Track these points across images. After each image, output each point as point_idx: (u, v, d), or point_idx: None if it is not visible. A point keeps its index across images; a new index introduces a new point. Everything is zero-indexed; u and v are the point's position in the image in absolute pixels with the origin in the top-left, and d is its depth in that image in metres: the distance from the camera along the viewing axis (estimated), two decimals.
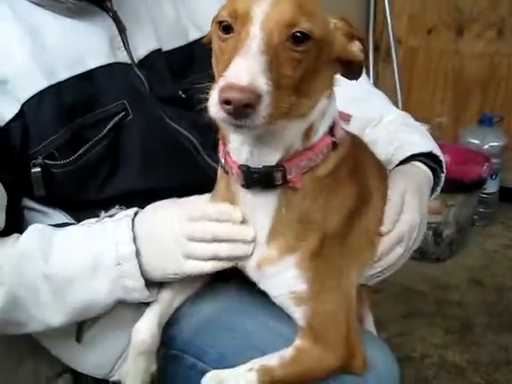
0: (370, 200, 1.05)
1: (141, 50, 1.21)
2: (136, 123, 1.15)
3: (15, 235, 1.08)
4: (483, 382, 2.07)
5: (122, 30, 1.18)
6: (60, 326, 1.07)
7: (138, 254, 1.01)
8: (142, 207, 1.09)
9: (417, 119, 3.26)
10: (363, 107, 1.31)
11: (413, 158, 1.21)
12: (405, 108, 3.22)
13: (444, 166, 1.25)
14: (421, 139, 1.25)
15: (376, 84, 3.37)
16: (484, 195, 3.08)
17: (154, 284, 1.05)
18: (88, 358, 1.20)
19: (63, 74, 1.09)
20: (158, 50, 1.23)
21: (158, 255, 1.01)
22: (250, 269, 1.01)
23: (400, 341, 2.24)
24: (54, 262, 1.04)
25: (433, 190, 1.25)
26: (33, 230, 1.07)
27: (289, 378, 0.97)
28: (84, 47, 1.13)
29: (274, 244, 0.97)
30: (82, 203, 1.17)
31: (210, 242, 0.98)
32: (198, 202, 1.05)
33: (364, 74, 1.39)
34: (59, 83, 1.09)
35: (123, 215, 1.06)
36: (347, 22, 0.93)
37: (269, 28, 0.81)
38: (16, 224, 1.11)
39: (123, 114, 1.14)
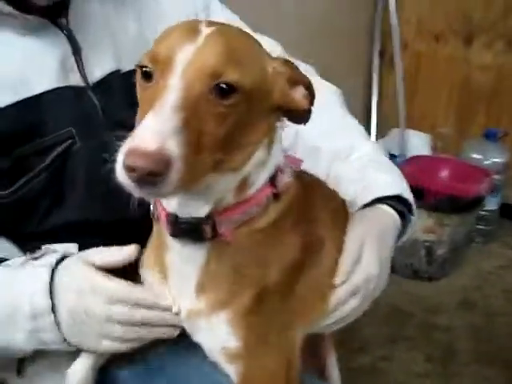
0: (321, 250, 0.98)
1: (97, 71, 1.13)
2: (82, 151, 1.08)
3: None
4: None
5: (76, 51, 1.10)
6: None
7: (54, 308, 0.93)
8: (86, 238, 1.03)
9: (419, 129, 3.21)
10: (334, 141, 1.23)
11: (379, 199, 1.12)
12: (408, 116, 3.19)
13: (414, 208, 1.17)
14: (390, 180, 1.16)
15: (379, 91, 3.30)
16: (484, 212, 2.99)
17: None
18: None
19: (5, 100, 1.02)
20: (117, 72, 1.16)
21: (74, 326, 0.94)
22: (182, 320, 0.95)
23: (383, 366, 2.18)
24: None
25: (402, 233, 1.17)
26: None
27: None
28: (31, 69, 1.06)
29: (203, 297, 0.91)
30: (24, 234, 1.11)
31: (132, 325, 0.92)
32: (123, 285, 0.95)
33: (340, 103, 1.32)
34: (0, 110, 1.02)
35: (43, 264, 0.98)
36: (290, 65, 0.84)
37: (190, 78, 0.72)
38: None
39: (70, 142, 1.07)
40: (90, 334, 0.94)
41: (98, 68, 1.13)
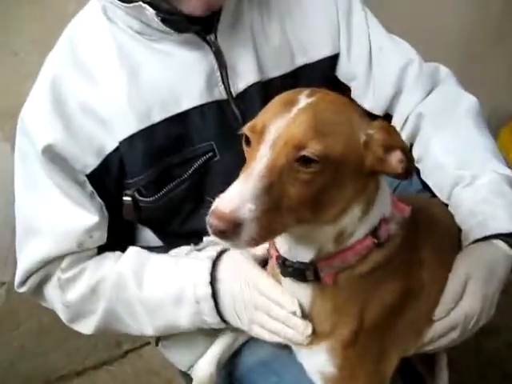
0: (421, 292, 1.04)
1: (240, 84, 1.23)
2: (222, 164, 1.20)
3: (117, 253, 1.21)
4: None
5: (222, 66, 1.20)
6: (153, 335, 1.22)
7: (215, 295, 1.08)
8: None
9: None
10: (459, 163, 1.23)
11: (494, 235, 1.12)
12: None
13: None
14: (507, 216, 1.14)
15: None
16: None
17: None
18: (169, 356, 1.39)
19: (156, 117, 1.16)
20: (258, 83, 1.25)
21: (231, 308, 1.08)
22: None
23: (507, 353, 2.12)
24: (146, 287, 1.15)
25: None
26: (131, 253, 1.19)
27: None
28: (179, 87, 1.18)
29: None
30: (166, 232, 1.28)
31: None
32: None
33: (476, 117, 1.31)
34: (151, 126, 1.16)
35: (206, 256, 1.12)
36: (386, 131, 0.88)
37: (276, 149, 0.82)
38: (118, 239, 1.24)
39: (210, 154, 1.20)
40: (242, 318, 1.07)
41: (242, 80, 1.23)
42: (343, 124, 0.87)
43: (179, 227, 1.21)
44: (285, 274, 1.00)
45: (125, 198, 1.21)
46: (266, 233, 0.81)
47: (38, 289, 1.23)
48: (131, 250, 1.20)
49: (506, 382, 2.03)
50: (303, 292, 1.00)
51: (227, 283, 1.09)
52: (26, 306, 1.86)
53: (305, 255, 0.95)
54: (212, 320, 1.11)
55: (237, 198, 0.79)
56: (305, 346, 1.02)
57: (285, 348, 1.11)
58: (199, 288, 1.09)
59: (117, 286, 1.16)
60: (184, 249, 1.22)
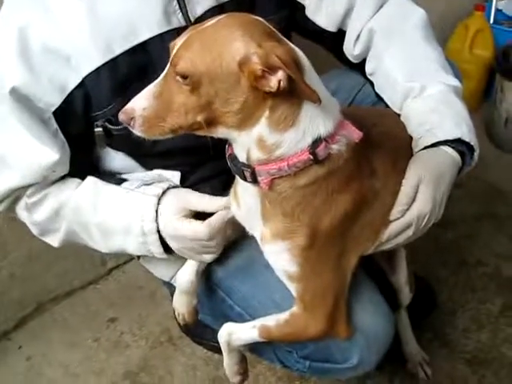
0: (376, 198, 1.15)
1: (198, 9, 1.28)
2: None
3: (77, 180, 1.33)
4: None
5: None
6: (106, 252, 1.40)
7: (159, 230, 1.25)
8: (181, 158, 1.34)
9: None
10: (410, 75, 1.31)
11: (442, 141, 1.22)
12: None
13: (476, 149, 1.26)
14: (453, 124, 1.24)
15: None
16: None
17: None
18: (152, 269, 1.54)
19: (117, 49, 1.22)
20: (215, 7, 1.30)
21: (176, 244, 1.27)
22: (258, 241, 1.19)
23: (463, 243, 2.31)
24: (100, 213, 1.30)
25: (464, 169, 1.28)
26: (89, 182, 1.31)
27: (282, 336, 1.21)
28: (137, 18, 1.23)
29: (268, 225, 1.13)
30: (139, 154, 1.38)
31: None
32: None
33: (425, 29, 1.39)
34: (114, 58, 1.22)
35: (152, 193, 1.26)
36: (270, 52, 0.93)
37: (168, 66, 1.02)
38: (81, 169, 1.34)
39: None
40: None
41: (199, 5, 1.28)
42: (218, 45, 0.96)
43: (151, 148, 1.28)
44: (233, 170, 1.11)
45: (96, 130, 1.29)
46: (152, 126, 1.03)
47: (11, 209, 1.38)
48: (89, 179, 1.32)
49: (463, 267, 2.21)
50: (251, 191, 1.11)
51: (167, 224, 1.24)
52: (15, 235, 1.94)
53: (240, 156, 1.07)
54: (157, 250, 1.28)
55: (135, 99, 1.03)
56: (267, 242, 1.14)
57: (260, 253, 1.21)
58: (146, 223, 1.25)
59: (76, 211, 1.31)
60: (134, 182, 1.34)
